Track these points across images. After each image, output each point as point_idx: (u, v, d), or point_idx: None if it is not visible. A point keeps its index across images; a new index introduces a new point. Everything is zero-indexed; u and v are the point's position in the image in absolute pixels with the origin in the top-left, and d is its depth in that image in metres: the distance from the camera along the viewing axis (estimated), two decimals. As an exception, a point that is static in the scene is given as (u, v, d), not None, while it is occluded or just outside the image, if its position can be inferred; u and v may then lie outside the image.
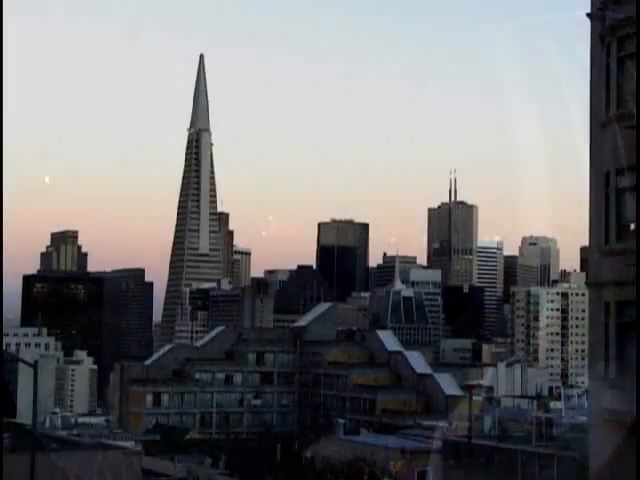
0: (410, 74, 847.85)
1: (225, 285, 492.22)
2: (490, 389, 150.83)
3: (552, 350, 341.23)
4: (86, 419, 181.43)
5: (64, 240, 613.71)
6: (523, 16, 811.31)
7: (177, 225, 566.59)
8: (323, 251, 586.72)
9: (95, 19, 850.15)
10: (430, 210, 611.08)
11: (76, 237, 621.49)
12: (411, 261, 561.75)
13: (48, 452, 48.46)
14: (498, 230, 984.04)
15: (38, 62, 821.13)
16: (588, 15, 34.98)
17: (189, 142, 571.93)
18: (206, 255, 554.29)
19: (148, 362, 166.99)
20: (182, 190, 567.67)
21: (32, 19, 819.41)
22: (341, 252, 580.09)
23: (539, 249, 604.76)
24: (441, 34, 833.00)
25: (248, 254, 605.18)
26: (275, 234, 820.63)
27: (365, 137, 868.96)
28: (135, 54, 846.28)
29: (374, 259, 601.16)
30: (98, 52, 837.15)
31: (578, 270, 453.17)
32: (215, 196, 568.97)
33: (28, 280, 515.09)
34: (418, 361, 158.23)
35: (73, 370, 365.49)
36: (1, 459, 32.84)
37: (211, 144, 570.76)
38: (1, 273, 27.15)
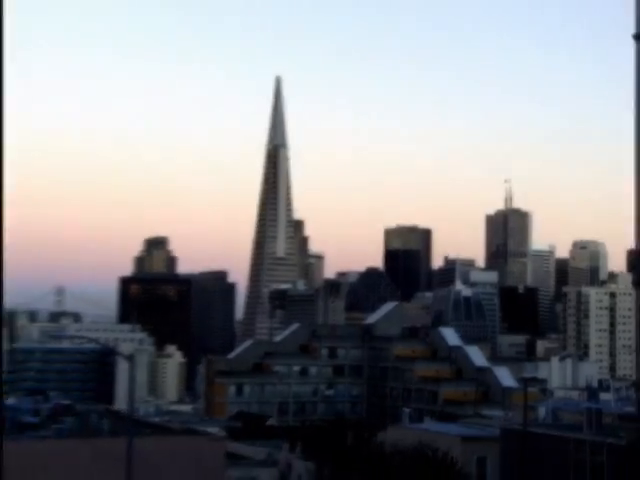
0: (465, 81, 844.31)
1: (300, 286, 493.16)
2: (544, 381, 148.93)
3: (601, 345, 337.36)
4: (176, 407, 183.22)
5: (156, 245, 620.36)
6: (570, 35, 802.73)
7: (257, 232, 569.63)
8: (389, 254, 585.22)
9: (175, 36, 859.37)
10: (487, 216, 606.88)
11: (166, 242, 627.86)
12: (470, 264, 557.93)
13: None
14: (551, 234, 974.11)
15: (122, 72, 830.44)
16: (634, 37, 34.57)
17: (268, 157, 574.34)
18: (283, 259, 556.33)
19: (231, 356, 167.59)
20: (261, 200, 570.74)
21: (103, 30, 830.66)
22: (406, 255, 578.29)
23: (589, 252, 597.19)
24: (488, 49, 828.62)
25: (321, 258, 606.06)
26: (346, 239, 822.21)
27: (427, 148, 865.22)
28: (218, 70, 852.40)
29: (436, 262, 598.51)
30: (179, 68, 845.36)
31: (625, 271, 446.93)
32: (291, 205, 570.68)
33: (124, 282, 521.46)
34: (477, 355, 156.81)
35: (164, 363, 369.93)
36: (1, 456, 32.02)
37: (287, 158, 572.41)
38: (1, 274, 27.04)
